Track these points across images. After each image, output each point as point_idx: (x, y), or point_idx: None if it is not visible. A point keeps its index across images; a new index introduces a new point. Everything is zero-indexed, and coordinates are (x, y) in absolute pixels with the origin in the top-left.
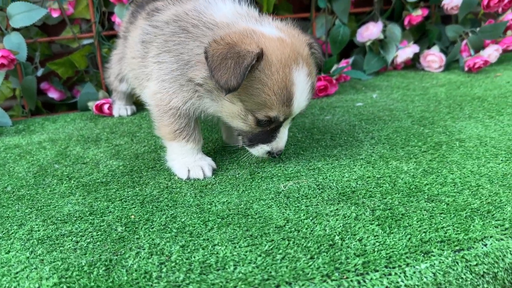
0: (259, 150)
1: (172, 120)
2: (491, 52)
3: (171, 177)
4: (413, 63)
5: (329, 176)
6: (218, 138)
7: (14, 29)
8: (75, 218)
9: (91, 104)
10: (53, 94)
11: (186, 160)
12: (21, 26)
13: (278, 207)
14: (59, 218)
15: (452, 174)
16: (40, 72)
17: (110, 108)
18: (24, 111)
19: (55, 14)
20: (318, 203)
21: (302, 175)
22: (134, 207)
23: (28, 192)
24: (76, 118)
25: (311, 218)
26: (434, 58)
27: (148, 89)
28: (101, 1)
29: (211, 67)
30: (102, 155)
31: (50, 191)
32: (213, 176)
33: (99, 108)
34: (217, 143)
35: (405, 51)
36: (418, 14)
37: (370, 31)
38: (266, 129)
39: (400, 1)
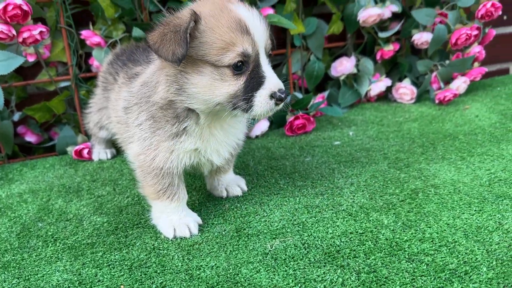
0: (261, 102)
1: (156, 181)
2: (460, 84)
3: (157, 236)
4: (386, 94)
5: (314, 232)
6: (202, 186)
7: None
8: None
9: (70, 149)
10: (30, 138)
11: (171, 218)
12: None
13: (266, 271)
14: None
15: (429, 228)
16: (16, 117)
17: (89, 152)
18: (0, 155)
19: (31, 59)
20: (305, 266)
21: (288, 232)
22: (122, 275)
23: (14, 257)
24: (55, 163)
25: (299, 285)
26: (405, 90)
27: (131, 150)
28: (77, 44)
29: (156, 50)
30: (85, 210)
31: (36, 255)
32: (199, 234)
33: (79, 153)
34: (201, 191)
35: (378, 85)
36: (389, 49)
37: (344, 66)
38: (249, 75)
39: (372, 36)
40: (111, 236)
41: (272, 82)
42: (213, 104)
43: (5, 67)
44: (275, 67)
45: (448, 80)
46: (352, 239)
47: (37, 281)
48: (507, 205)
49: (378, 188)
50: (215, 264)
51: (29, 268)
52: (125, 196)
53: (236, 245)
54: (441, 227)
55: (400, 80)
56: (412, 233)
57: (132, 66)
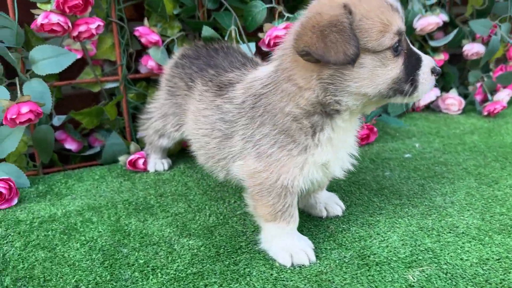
0: (426, 79)
1: (276, 200)
2: (504, 97)
3: (270, 263)
4: (429, 104)
5: (449, 259)
6: None
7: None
8: None
9: (123, 159)
10: (71, 145)
11: (286, 243)
12: (48, 73)
13: None
14: None
15: None
16: (57, 121)
17: (145, 163)
18: (30, 163)
19: (77, 55)
20: None
21: (420, 259)
22: None
23: None
24: (104, 175)
25: None
26: (453, 101)
27: (244, 167)
28: (129, 41)
29: (321, 55)
30: (169, 231)
31: None
32: (318, 261)
33: (133, 163)
34: None
35: (429, 95)
36: (440, 58)
37: None
38: (405, 55)
39: (421, 44)
40: (217, 263)
41: (427, 57)
42: (373, 96)
43: (56, 64)
44: None
45: (491, 92)
46: (493, 266)
47: None
48: None
49: (483, 208)
50: None
51: None
52: (205, 214)
53: (370, 275)
54: None
55: (446, 90)
56: None
57: (215, 72)
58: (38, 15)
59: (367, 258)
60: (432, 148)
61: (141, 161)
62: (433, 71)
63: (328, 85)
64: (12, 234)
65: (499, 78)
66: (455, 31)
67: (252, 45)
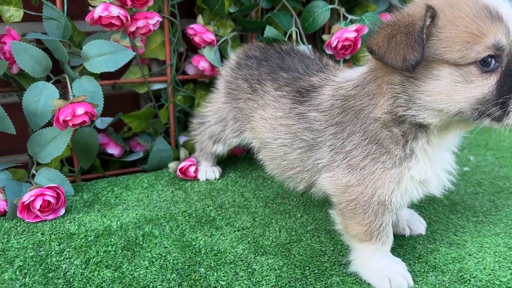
0: None
1: (373, 218)
2: None
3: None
4: None
5: None
6: None
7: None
8: None
9: (173, 166)
10: (113, 150)
11: (381, 266)
12: (103, 71)
13: None
14: None
15: None
16: (100, 123)
17: (196, 171)
18: (65, 168)
19: None
20: None
21: None
22: None
23: None
24: (153, 183)
25: None
26: None
27: (336, 180)
28: (180, 40)
29: (381, 56)
30: (242, 247)
31: None
32: (415, 285)
33: (183, 171)
34: None
35: None
36: None
37: None
38: (503, 73)
39: None
40: (309, 285)
41: None
42: (452, 114)
43: (112, 62)
44: None
45: None
46: None
47: None
48: None
49: None
50: None
51: None
52: (275, 229)
53: None
54: None
55: None
56: None
57: (292, 76)
58: (94, 6)
59: (467, 282)
60: (487, 161)
61: (192, 169)
62: None
63: (398, 94)
64: (68, 249)
65: None
66: None
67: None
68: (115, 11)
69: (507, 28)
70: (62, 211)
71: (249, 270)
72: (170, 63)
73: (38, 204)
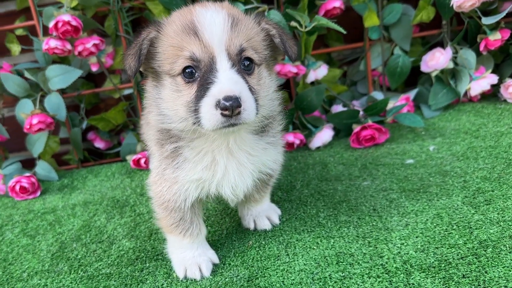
0: (205, 112)
1: (166, 214)
2: None
3: (170, 273)
4: (495, 92)
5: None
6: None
7: None
8: None
9: (129, 158)
10: (99, 144)
11: (184, 256)
12: (58, 88)
13: None
14: None
15: None
16: (84, 125)
17: (146, 162)
18: (74, 158)
19: (94, 68)
20: None
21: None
22: None
23: (39, 281)
24: (116, 172)
25: None
26: None
27: (149, 178)
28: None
29: (123, 65)
30: (120, 230)
31: (56, 283)
32: (212, 276)
33: (136, 162)
34: (235, 218)
35: (479, 83)
36: (496, 38)
37: (436, 60)
38: (199, 82)
39: (475, 21)
40: (129, 267)
41: (218, 87)
42: (179, 118)
43: (64, 80)
44: (350, 62)
45: None
46: None
47: None
48: None
49: (437, 235)
50: None
51: None
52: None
53: None
54: None
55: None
56: None
57: None
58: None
59: (254, 280)
60: (449, 152)
61: (142, 161)
62: (215, 105)
63: (151, 102)
64: (18, 221)
65: None
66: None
67: None
68: (53, 43)
69: (204, 42)
70: (39, 193)
71: (105, 248)
72: None
73: (17, 187)
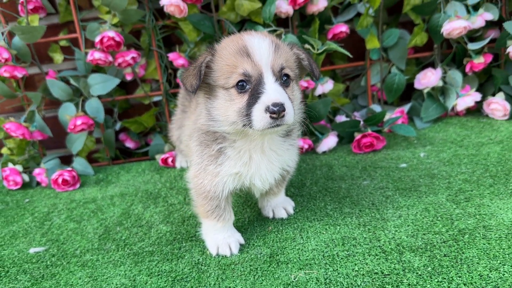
0: (257, 115)
1: (205, 202)
2: None
3: (204, 251)
4: (479, 108)
5: (340, 268)
6: (256, 203)
7: None
8: None
9: (158, 157)
10: (129, 144)
11: (217, 237)
12: (99, 94)
13: None
14: None
15: (459, 277)
16: (118, 127)
17: (173, 161)
18: (105, 156)
19: (129, 77)
20: None
21: (316, 264)
22: (166, 286)
23: (91, 257)
24: (146, 169)
25: None
26: (497, 106)
27: (189, 172)
28: (167, 64)
29: (181, 81)
30: (157, 217)
31: (107, 258)
32: (239, 253)
33: (164, 161)
34: (255, 208)
35: (465, 100)
36: (480, 61)
37: (428, 79)
38: (250, 93)
39: (462, 46)
40: (168, 246)
41: (267, 96)
42: (229, 123)
43: (103, 88)
44: (353, 78)
45: None
46: (374, 280)
47: (101, 282)
48: None
49: (424, 224)
50: None
51: (100, 269)
52: (191, 207)
53: (265, 270)
54: (472, 277)
55: (494, 94)
56: (438, 281)
57: None
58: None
59: (275, 256)
60: (437, 158)
61: (169, 160)
62: (266, 109)
63: (204, 110)
64: (63, 209)
65: None
66: (493, 33)
67: None
68: (97, 55)
69: (254, 61)
70: (78, 185)
71: (146, 231)
72: (161, 81)
73: (59, 180)
